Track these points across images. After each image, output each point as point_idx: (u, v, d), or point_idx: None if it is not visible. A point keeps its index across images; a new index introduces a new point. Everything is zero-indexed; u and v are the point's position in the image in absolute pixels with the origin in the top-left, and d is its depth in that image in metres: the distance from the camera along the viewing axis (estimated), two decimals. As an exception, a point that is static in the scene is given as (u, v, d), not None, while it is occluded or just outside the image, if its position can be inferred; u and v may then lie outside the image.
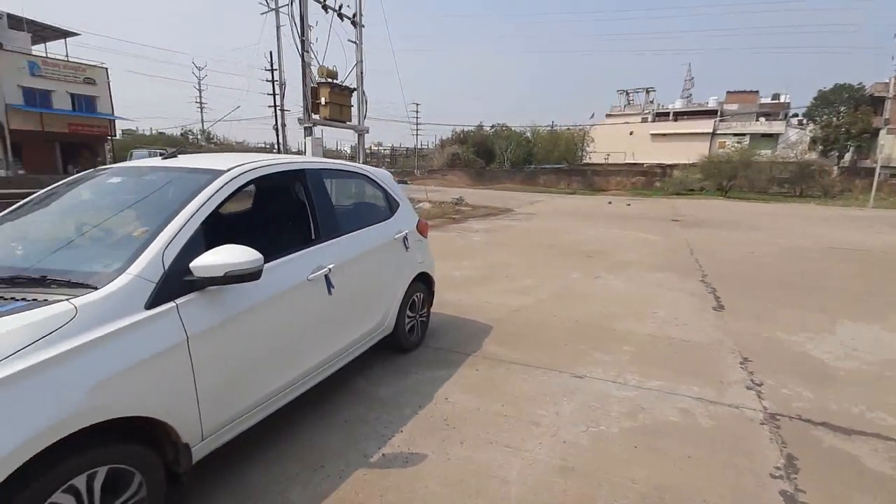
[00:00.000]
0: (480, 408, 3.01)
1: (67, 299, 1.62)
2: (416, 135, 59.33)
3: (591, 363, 3.74)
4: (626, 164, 42.17)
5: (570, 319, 4.83)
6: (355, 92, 16.70)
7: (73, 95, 29.13)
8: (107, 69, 30.85)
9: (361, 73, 17.18)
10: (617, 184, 34.18)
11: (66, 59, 29.45)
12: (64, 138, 28.87)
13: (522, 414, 2.94)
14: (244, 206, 3.56)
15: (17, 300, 1.63)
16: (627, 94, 53.79)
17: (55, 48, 30.38)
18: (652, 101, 52.17)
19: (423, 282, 4.05)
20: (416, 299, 3.90)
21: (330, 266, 2.71)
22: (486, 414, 2.93)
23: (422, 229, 4.08)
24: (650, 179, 33.72)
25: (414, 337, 3.93)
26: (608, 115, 53.00)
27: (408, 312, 3.79)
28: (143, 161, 2.90)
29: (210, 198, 2.17)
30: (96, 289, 1.70)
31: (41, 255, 2.03)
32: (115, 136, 34.17)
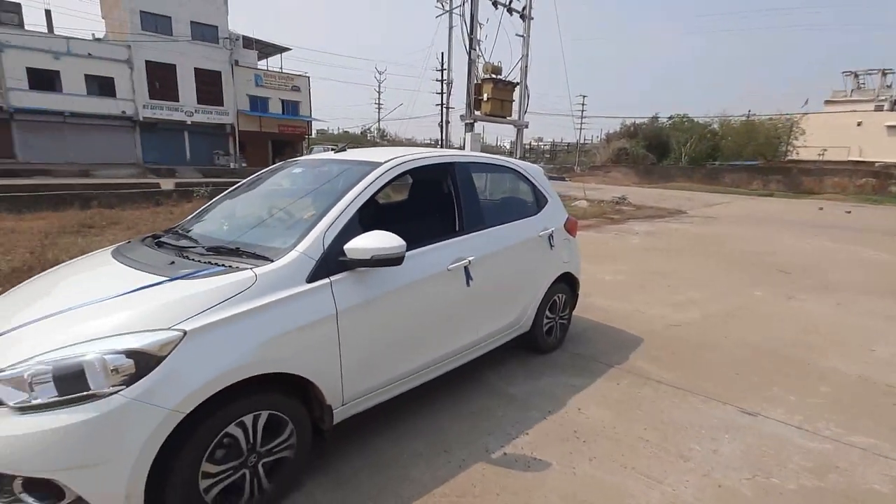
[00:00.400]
0: (618, 427, 2.74)
1: (250, 268, 1.96)
2: (580, 129, 56.85)
3: (769, 400, 3.10)
4: (850, 161, 33.65)
5: (745, 344, 4.08)
6: (518, 87, 16.72)
7: (283, 101, 35.46)
8: (308, 78, 36.79)
9: (526, 66, 17.10)
10: (834, 185, 27.48)
11: (280, 70, 35.97)
12: (274, 137, 35.39)
13: (668, 443, 2.59)
14: (400, 196, 3.86)
15: (218, 265, 2.02)
16: (856, 76, 42.65)
17: (272, 62, 37.39)
18: (890, 86, 40.48)
19: (567, 283, 3.86)
20: (557, 300, 3.73)
21: (470, 258, 2.76)
22: (624, 434, 2.66)
23: (570, 228, 3.88)
24: (883, 182, 26.28)
25: (552, 339, 3.77)
26: (827, 102, 42.83)
27: (547, 313, 3.65)
28: (320, 154, 3.34)
29: (366, 187, 2.38)
30: (272, 261, 2.02)
31: (240, 231, 2.50)
32: (311, 135, 40.49)
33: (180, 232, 2.56)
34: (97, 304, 1.83)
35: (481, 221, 2.98)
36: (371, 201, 2.48)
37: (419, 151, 2.90)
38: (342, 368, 2.13)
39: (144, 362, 1.60)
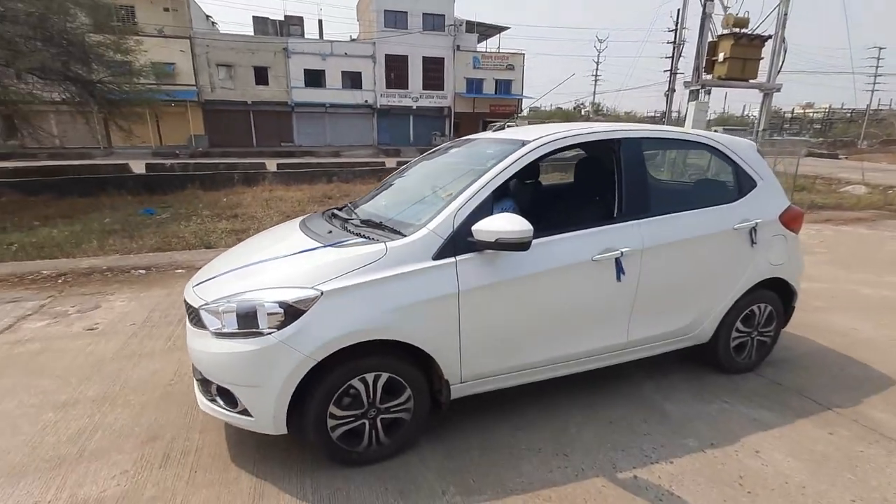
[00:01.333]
0: (809, 488, 2.07)
1: (384, 241, 2.13)
2: (872, 91, 42.94)
3: None
4: None
5: None
6: (769, 41, 13.54)
7: (496, 81, 36.55)
8: (523, 55, 36.89)
9: (785, 14, 13.73)
10: None
11: (496, 51, 37.03)
12: (485, 117, 36.87)
13: (890, 533, 1.84)
14: (568, 177, 3.60)
15: (364, 238, 2.25)
16: None
17: (490, 43, 38.63)
18: None
19: (776, 291, 3.03)
20: (756, 311, 2.98)
21: (623, 249, 2.41)
22: (816, 500, 2.00)
23: (789, 221, 3.00)
24: None
25: (742, 358, 3.05)
26: None
27: (738, 325, 2.96)
28: (485, 134, 3.34)
29: (505, 168, 2.29)
30: (404, 236, 2.15)
31: (392, 207, 2.71)
32: (522, 113, 40.79)
33: (351, 206, 2.94)
34: (273, 261, 2.26)
35: (647, 208, 2.56)
36: (512, 180, 2.39)
37: (577, 128, 2.63)
38: (461, 347, 2.16)
39: (291, 312, 1.92)
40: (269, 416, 1.98)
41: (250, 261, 2.34)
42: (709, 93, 14.20)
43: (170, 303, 4.20)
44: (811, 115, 55.60)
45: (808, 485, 2.10)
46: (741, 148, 2.92)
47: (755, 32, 12.99)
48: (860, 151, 30.02)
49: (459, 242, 2.12)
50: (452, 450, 2.29)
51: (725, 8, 13.34)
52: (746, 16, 13.29)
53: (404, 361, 2.12)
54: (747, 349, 3.05)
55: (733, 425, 2.53)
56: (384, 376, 2.08)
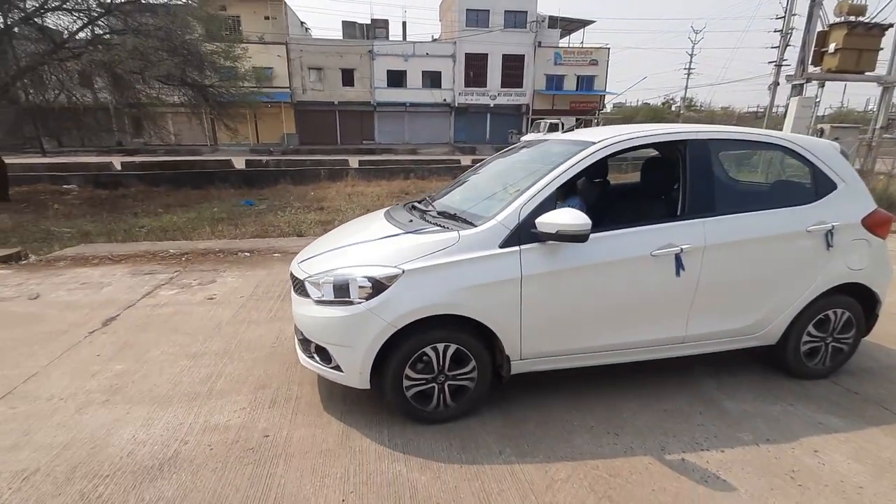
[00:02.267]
0: (868, 489, 2.08)
1: (457, 230, 2.43)
2: None
3: None
4: None
5: None
6: (891, 30, 12.11)
7: (578, 77, 35.57)
8: (608, 49, 35.55)
9: (913, -3, 12.21)
10: None
11: (580, 45, 36.00)
12: (565, 114, 36.04)
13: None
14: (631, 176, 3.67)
15: (440, 227, 2.57)
16: None
17: (574, 37, 37.57)
18: None
19: (857, 297, 2.93)
20: (831, 316, 2.91)
21: (683, 246, 2.52)
22: (872, 499, 2.01)
23: (874, 225, 2.89)
24: None
25: (815, 364, 2.99)
26: None
27: (811, 329, 2.91)
28: (534, 135, 3.51)
29: (570, 167, 2.50)
30: (475, 226, 2.43)
31: (466, 201, 3.00)
32: (604, 109, 39.34)
33: (428, 199, 3.28)
34: (363, 244, 2.65)
35: (712, 207, 2.63)
36: (579, 177, 2.58)
37: (643, 129, 2.76)
38: (521, 327, 2.41)
39: (377, 286, 2.29)
40: (356, 372, 2.37)
41: (344, 243, 2.75)
42: (822, 86, 12.94)
43: (270, 281, 4.85)
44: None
45: (866, 486, 2.10)
46: (820, 149, 2.86)
47: (873, 21, 11.65)
48: None
49: (524, 233, 2.37)
50: (511, 420, 2.55)
51: None
52: (864, 2, 11.95)
53: (471, 336, 2.41)
54: (820, 355, 2.98)
55: (794, 426, 2.53)
56: (452, 347, 2.39)
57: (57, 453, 2.26)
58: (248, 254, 5.91)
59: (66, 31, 11.52)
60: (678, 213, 2.63)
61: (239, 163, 15.23)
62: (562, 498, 2.02)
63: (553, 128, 25.19)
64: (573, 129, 3.10)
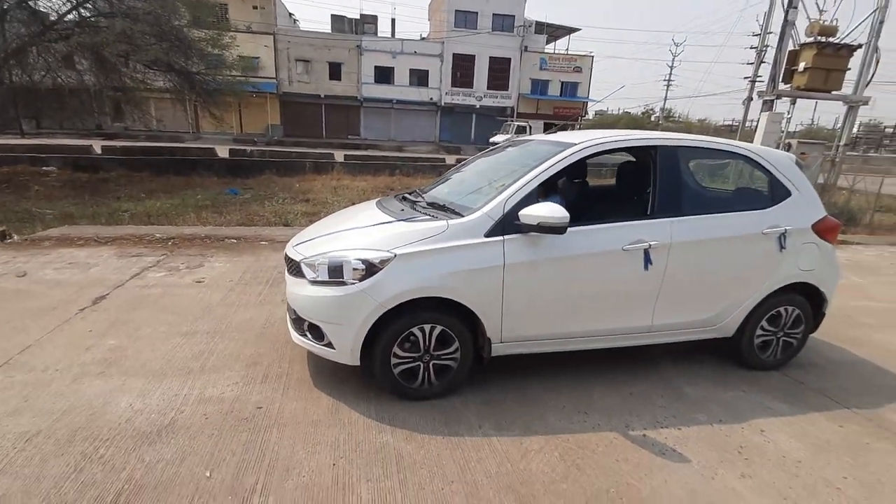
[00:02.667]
0: (805, 463, 2.34)
1: (446, 220, 2.61)
2: None
3: None
4: None
5: None
6: (859, 50, 12.75)
7: (562, 83, 36.15)
8: (592, 57, 36.21)
9: (880, 22, 12.88)
10: None
11: (565, 52, 36.60)
12: (548, 119, 36.63)
13: (824, 499, 2.09)
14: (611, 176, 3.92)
15: (429, 216, 2.75)
16: None
17: (560, 44, 38.17)
18: None
19: (805, 296, 3.22)
20: (782, 312, 3.19)
21: (651, 242, 2.75)
22: (809, 473, 2.27)
23: (823, 230, 3.18)
24: None
25: (767, 357, 3.27)
26: None
27: (764, 324, 3.18)
28: (542, 136, 3.72)
29: (552, 165, 2.71)
30: (462, 217, 2.62)
31: (454, 193, 3.18)
32: (586, 115, 40.02)
33: (418, 191, 3.45)
34: (357, 230, 2.81)
35: (678, 208, 2.87)
36: (559, 175, 2.79)
37: (619, 134, 2.99)
38: (502, 311, 2.60)
39: (370, 269, 2.45)
40: (347, 349, 2.53)
41: (338, 228, 2.90)
42: (794, 103, 13.53)
43: (258, 267, 4.95)
44: (904, 129, 50.06)
45: (804, 461, 2.36)
46: (777, 159, 3.14)
47: (842, 42, 12.27)
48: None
49: (507, 225, 2.57)
50: (490, 399, 2.75)
51: (821, 12, 12.64)
52: (835, 24, 12.58)
53: (455, 318, 2.59)
54: (772, 348, 3.26)
55: (745, 409, 2.80)
56: (438, 328, 2.57)
57: (57, 418, 2.36)
58: (234, 240, 5.98)
59: (54, 13, 11.30)
60: (648, 213, 2.87)
61: (223, 151, 15.11)
62: (534, 466, 2.22)
63: (521, 130, 25.85)
64: (555, 132, 3.31)
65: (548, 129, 32.71)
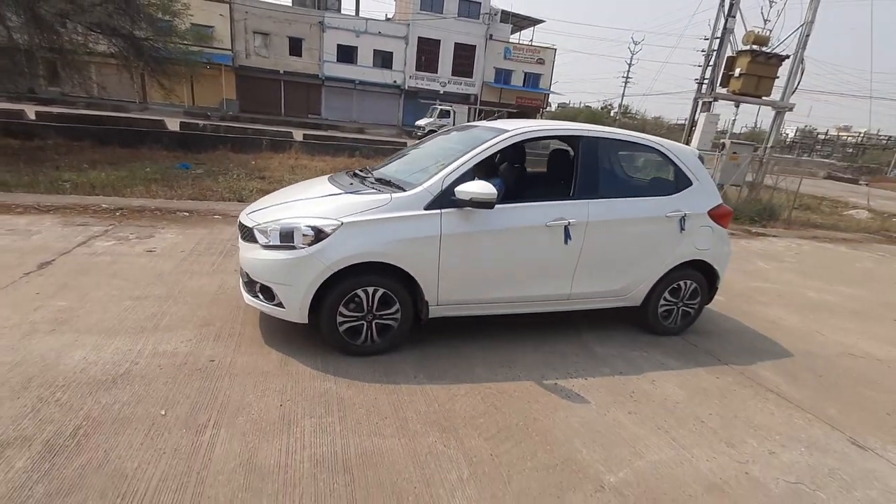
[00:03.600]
0: (682, 404, 2.83)
1: (389, 193, 2.89)
2: (901, 118, 42.16)
3: (906, 448, 2.63)
4: None
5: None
6: (787, 60, 13.88)
7: (525, 74, 36.76)
8: (555, 50, 36.98)
9: (807, 35, 14.03)
10: None
11: (529, 43, 37.16)
12: (511, 108, 37.28)
13: (724, 431, 2.59)
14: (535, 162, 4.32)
15: (376, 190, 3.02)
16: None
17: (524, 35, 38.67)
18: None
19: (701, 271, 3.75)
20: (682, 286, 3.70)
21: (571, 220, 3.15)
22: (683, 411, 2.76)
23: (718, 216, 3.70)
24: None
25: (669, 324, 3.79)
26: None
27: (666, 295, 3.69)
28: (485, 122, 4.05)
29: (487, 148, 3.04)
30: (405, 191, 2.91)
31: (400, 171, 3.46)
32: (548, 107, 40.95)
33: (368, 168, 3.71)
34: (308, 200, 3.04)
35: (595, 191, 3.28)
36: (494, 157, 3.13)
37: (547, 124, 3.36)
38: (439, 277, 2.93)
39: (318, 235, 2.71)
40: (296, 308, 2.78)
41: (290, 199, 3.13)
42: (738, 106, 14.59)
43: (211, 239, 5.04)
44: (846, 138, 54.57)
45: (681, 402, 2.86)
46: (683, 153, 3.63)
47: (774, 52, 13.32)
48: (886, 180, 29.93)
49: (445, 199, 2.88)
50: (426, 355, 3.08)
51: (765, 21, 13.63)
52: (768, 34, 13.64)
53: (396, 282, 2.90)
54: (673, 316, 3.78)
55: (644, 365, 3.28)
56: (380, 291, 2.87)
57: (9, 369, 2.49)
58: (186, 213, 5.99)
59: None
60: (570, 195, 3.26)
61: (173, 124, 14.56)
62: (458, 406, 2.58)
63: (444, 114, 26.70)
64: (495, 118, 3.65)
65: (488, 116, 33.19)
